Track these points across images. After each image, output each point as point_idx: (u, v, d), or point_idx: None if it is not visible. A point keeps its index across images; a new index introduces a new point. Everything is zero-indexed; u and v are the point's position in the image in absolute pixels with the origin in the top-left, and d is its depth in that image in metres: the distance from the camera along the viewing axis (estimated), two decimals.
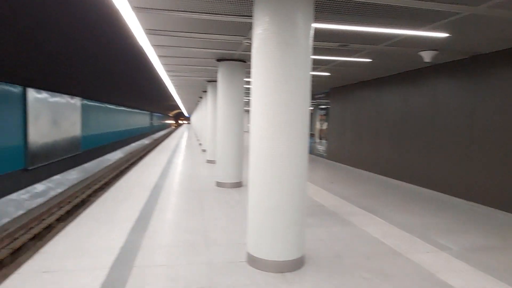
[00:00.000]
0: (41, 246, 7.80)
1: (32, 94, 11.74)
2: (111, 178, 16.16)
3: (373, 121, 10.16)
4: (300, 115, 3.35)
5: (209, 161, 11.36)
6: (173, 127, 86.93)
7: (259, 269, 3.47)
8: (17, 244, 7.39)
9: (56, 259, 3.62)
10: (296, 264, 3.52)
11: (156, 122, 53.75)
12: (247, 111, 13.57)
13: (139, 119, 36.51)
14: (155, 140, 44.15)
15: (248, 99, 12.27)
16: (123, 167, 19.44)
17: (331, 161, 12.75)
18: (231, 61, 7.27)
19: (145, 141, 39.09)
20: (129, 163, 21.39)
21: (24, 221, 9.17)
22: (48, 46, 9.83)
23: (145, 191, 7.00)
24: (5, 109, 10.27)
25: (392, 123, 9.15)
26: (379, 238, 4.56)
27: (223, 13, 4.35)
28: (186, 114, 58.33)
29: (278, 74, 3.24)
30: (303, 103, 3.37)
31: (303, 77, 3.34)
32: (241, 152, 7.55)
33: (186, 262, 3.62)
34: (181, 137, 28.31)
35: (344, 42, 5.83)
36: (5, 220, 9.17)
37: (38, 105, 12.21)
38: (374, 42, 5.67)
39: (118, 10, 4.56)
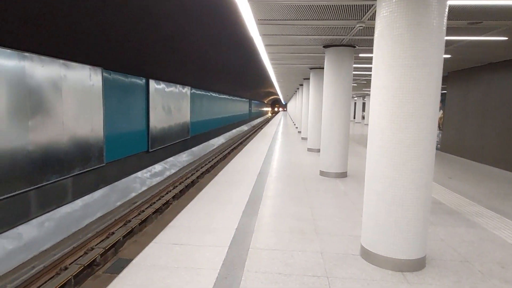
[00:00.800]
0: (163, 219, 8.87)
1: (153, 85, 13.25)
2: (216, 161, 17.40)
3: (504, 108, 8.74)
4: (430, 104, 3.04)
5: (310, 149, 11.31)
6: (270, 114, 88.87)
7: (375, 265, 3.33)
8: (143, 216, 8.53)
9: (183, 233, 4.04)
10: (417, 265, 3.27)
11: (254, 110, 55.72)
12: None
13: (239, 106, 38.29)
14: (253, 127, 45.91)
15: (354, 85, 11.74)
16: (225, 152, 20.72)
17: (447, 154, 11.47)
18: (339, 47, 7.01)
19: (244, 127, 40.94)
20: (231, 148, 22.70)
21: (147, 196, 10.52)
22: (166, 42, 10.91)
23: (252, 176, 7.32)
24: (136, 98, 11.83)
25: None
26: None
27: None
28: (283, 101, 59.02)
29: (406, 59, 2.98)
30: (434, 91, 3.05)
31: (436, 62, 3.01)
32: (347, 141, 7.30)
33: (299, 249, 3.67)
34: (279, 124, 28.81)
35: (475, 20, 5.08)
36: (133, 194, 10.66)
37: (157, 95, 13.74)
38: None
39: (236, 3, 4.76)
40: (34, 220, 7.09)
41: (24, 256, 6.28)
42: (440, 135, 12.11)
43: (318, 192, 6.09)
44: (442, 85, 10.18)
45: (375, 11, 4.56)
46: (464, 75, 10.68)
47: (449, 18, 4.93)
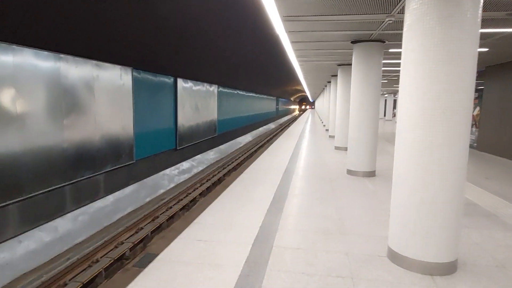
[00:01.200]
0: (190, 216, 9.02)
1: (181, 84, 13.49)
2: (242, 159, 17.48)
3: None
4: (464, 100, 2.88)
5: (338, 148, 11.11)
6: (298, 112, 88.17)
7: (402, 267, 3.21)
8: (171, 212, 8.72)
9: (207, 230, 4.08)
10: (448, 268, 3.12)
11: (281, 107, 55.51)
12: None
13: (266, 104, 38.27)
14: (280, 125, 45.75)
15: (384, 82, 11.42)
16: (252, 150, 20.78)
17: (483, 153, 10.90)
18: (367, 42, 6.82)
19: (272, 125, 40.89)
20: (258, 146, 22.73)
21: (175, 193, 10.74)
22: (193, 41, 11.07)
23: (277, 174, 7.28)
24: (164, 97, 12.11)
25: None
26: None
27: None
28: (310, 99, 58.42)
29: (438, 53, 2.84)
30: (468, 87, 2.88)
31: (469, 56, 2.84)
32: (375, 139, 7.10)
33: (323, 249, 3.61)
34: (306, 122, 28.54)
35: None
36: (162, 191, 10.92)
37: (184, 93, 13.98)
38: None
39: (261, 1, 4.74)
40: (69, 214, 7.42)
41: (60, 248, 6.59)
42: (477, 133, 11.53)
43: (345, 192, 5.96)
44: (479, 80, 9.64)
45: (405, 4, 4.40)
46: (503, 70, 10.08)
47: (485, 9, 4.68)
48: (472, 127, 12.05)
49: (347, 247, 3.67)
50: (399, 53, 8.42)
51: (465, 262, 3.37)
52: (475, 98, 11.85)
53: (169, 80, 12.44)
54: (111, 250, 6.62)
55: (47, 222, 6.83)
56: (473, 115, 12.00)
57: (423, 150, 3.01)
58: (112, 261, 6.11)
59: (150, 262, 3.36)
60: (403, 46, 3.18)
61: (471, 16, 2.80)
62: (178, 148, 13.42)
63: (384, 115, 35.85)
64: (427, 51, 2.89)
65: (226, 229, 4.12)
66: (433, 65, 2.87)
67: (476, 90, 11.84)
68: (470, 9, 2.79)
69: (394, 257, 3.31)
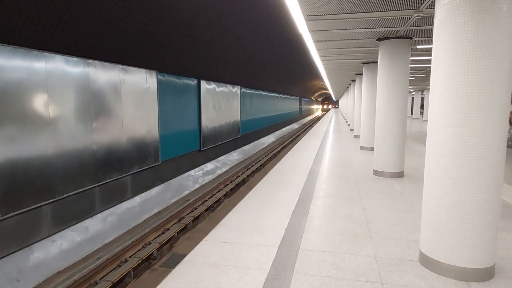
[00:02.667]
0: (215, 217, 9.09)
1: (204, 85, 13.64)
2: (266, 160, 17.46)
3: None
4: (500, 97, 2.73)
5: (363, 148, 10.88)
6: (321, 111, 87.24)
7: (436, 273, 3.08)
8: (196, 213, 8.82)
9: (233, 232, 4.09)
10: (485, 274, 2.97)
11: (304, 107, 55.09)
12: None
13: (289, 104, 38.08)
14: (304, 124, 45.41)
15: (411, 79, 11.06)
16: (276, 150, 20.72)
17: None
18: (394, 39, 6.63)
19: (295, 125, 40.66)
20: (281, 146, 22.64)
21: (199, 194, 10.86)
22: (215, 44, 11.17)
23: (302, 175, 7.21)
24: (188, 99, 12.28)
25: None
26: None
27: None
28: (334, 98, 57.68)
29: (472, 49, 2.71)
30: (505, 83, 2.74)
31: (506, 51, 2.70)
32: (403, 139, 6.89)
33: (351, 252, 3.52)
34: (330, 122, 28.18)
35: None
36: (187, 192, 11.07)
37: (208, 95, 14.12)
38: None
39: (284, 1, 4.70)
40: (98, 215, 7.65)
41: (91, 247, 6.80)
42: None
43: (372, 193, 5.82)
44: None
45: None
46: None
47: None
48: (510, 125, 11.48)
49: (376, 250, 3.57)
50: (428, 50, 8.20)
51: (504, 268, 3.20)
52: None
53: (192, 82, 12.60)
54: (139, 250, 6.77)
55: (78, 222, 7.07)
56: (510, 113, 11.42)
57: (456, 149, 2.88)
58: (140, 261, 6.24)
59: (177, 263, 3.39)
60: (433, 42, 3.06)
61: (508, 9, 2.65)
62: (202, 149, 13.56)
63: (412, 114, 34.88)
64: (459, 47, 2.76)
65: (251, 231, 4.11)
66: (467, 61, 2.74)
67: None
68: (506, 2, 2.65)
69: (426, 261, 3.18)
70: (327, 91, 50.09)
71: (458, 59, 2.78)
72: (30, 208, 5.95)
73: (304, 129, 37.44)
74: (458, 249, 2.94)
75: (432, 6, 4.60)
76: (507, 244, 3.72)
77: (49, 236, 6.42)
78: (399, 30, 6.14)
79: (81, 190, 7.11)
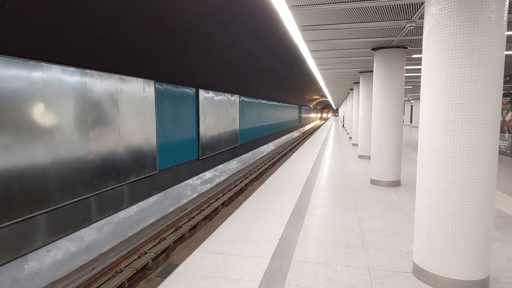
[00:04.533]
0: (212, 226, 9.04)
1: (202, 94, 13.69)
2: (264, 169, 17.43)
3: None
4: (490, 107, 2.73)
5: (361, 156, 10.87)
6: (322, 120, 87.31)
7: (428, 285, 3.05)
8: (193, 222, 8.77)
9: (225, 243, 4.05)
10: (479, 286, 2.93)
11: (304, 116, 55.19)
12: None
13: (289, 113, 38.16)
14: (303, 133, 45.42)
15: (409, 88, 11.10)
16: (275, 159, 20.69)
17: None
18: (388, 49, 6.67)
19: (295, 133, 40.67)
20: (280, 155, 22.61)
21: (197, 203, 10.81)
22: (213, 53, 11.24)
23: (298, 184, 7.18)
24: (186, 108, 12.31)
25: None
26: None
27: None
28: (333, 106, 57.83)
29: (460, 59, 2.72)
30: (494, 93, 2.74)
31: (495, 61, 2.70)
32: (399, 147, 6.88)
33: (344, 264, 3.49)
34: (329, 130, 28.19)
35: None
36: (184, 201, 11.02)
37: (206, 103, 14.16)
38: None
39: (277, 11, 4.74)
40: (94, 224, 7.61)
41: (86, 257, 6.75)
42: (510, 139, 10.96)
43: (368, 202, 5.79)
44: (511, 84, 9.11)
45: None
46: None
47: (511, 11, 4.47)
48: (505, 133, 11.49)
49: (369, 262, 3.53)
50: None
51: (498, 279, 3.16)
52: (507, 103, 11.31)
53: (190, 91, 12.65)
54: (135, 260, 6.71)
55: (74, 232, 7.03)
56: (505, 121, 11.44)
57: (446, 160, 2.87)
58: (135, 271, 6.18)
59: (170, 273, 3.36)
60: (423, 52, 3.07)
61: (496, 19, 2.67)
62: (200, 158, 13.55)
63: (411, 122, 34.91)
64: (448, 57, 2.77)
65: (244, 242, 4.08)
66: (456, 71, 2.75)
67: (508, 94, 11.30)
68: (494, 12, 2.66)
69: (419, 273, 3.15)
70: (327, 99, 50.25)
71: (447, 69, 2.78)
72: (24, 217, 5.93)
73: (303, 137, 37.43)
74: (451, 261, 2.91)
75: (424, 16, 4.63)
76: (502, 255, 3.68)
77: (44, 246, 6.38)
78: (393, 40, 6.18)
79: (77, 199, 7.09)
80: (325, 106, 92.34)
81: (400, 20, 4.87)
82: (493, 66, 2.70)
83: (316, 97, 47.94)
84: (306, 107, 57.22)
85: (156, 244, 7.41)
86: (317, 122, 76.98)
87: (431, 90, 2.93)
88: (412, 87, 17.47)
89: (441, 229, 2.94)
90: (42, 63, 6.05)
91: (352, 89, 16.65)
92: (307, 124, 59.80)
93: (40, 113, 6.15)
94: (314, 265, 3.47)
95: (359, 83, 12.09)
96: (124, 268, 6.32)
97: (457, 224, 2.88)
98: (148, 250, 7.06)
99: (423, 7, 4.22)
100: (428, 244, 3.05)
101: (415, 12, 4.48)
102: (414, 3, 4.12)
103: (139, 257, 6.79)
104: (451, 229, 2.90)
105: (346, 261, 3.55)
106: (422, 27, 5.18)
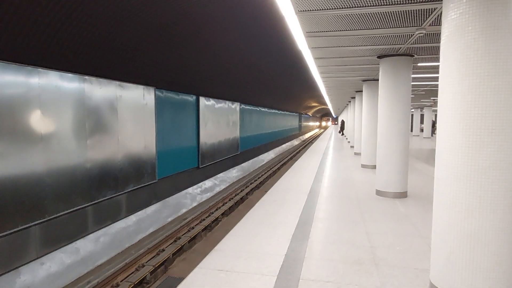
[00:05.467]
0: (212, 237, 8.80)
1: (203, 102, 13.53)
2: (265, 177, 17.21)
3: None
4: None
5: (364, 166, 10.67)
6: (321, 129, 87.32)
7: None
8: (193, 233, 8.53)
9: (228, 259, 3.83)
10: None
11: (304, 124, 55.13)
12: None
13: (289, 121, 38.05)
14: (303, 141, 45.29)
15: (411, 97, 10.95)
16: (275, 167, 20.48)
17: None
18: (395, 57, 6.52)
19: (295, 142, 40.52)
20: (281, 163, 22.41)
21: (197, 212, 10.58)
22: (215, 61, 11.11)
23: (302, 194, 6.98)
24: (186, 115, 12.14)
25: None
26: None
27: (400, 2, 3.80)
28: (333, 114, 57.83)
29: (483, 67, 2.55)
30: None
31: None
32: (406, 158, 6.69)
33: (356, 283, 3.27)
34: (330, 139, 28.03)
35: None
36: (184, 210, 10.78)
37: (207, 111, 14.00)
38: None
39: (282, 16, 4.59)
40: (91, 235, 7.36)
41: (81, 270, 6.50)
42: None
43: (375, 215, 5.58)
44: None
45: (439, 15, 4.13)
46: None
47: None
48: None
49: (382, 280, 3.32)
50: (429, 67, 8.10)
51: None
52: None
53: (191, 98, 12.49)
54: (132, 273, 6.47)
55: (69, 243, 6.78)
56: None
57: (467, 174, 2.68)
58: (132, 285, 5.94)
59: (171, 286, 3.14)
60: (441, 59, 2.90)
61: None
62: (200, 167, 13.34)
63: (412, 131, 34.82)
64: (469, 64, 2.60)
65: (248, 257, 3.86)
66: (478, 80, 2.57)
67: None
68: None
69: None
70: (327, 108, 50.22)
71: (468, 77, 2.61)
72: (18, 228, 5.69)
73: (304, 145, 37.28)
74: (473, 282, 2.70)
75: (435, 23, 4.49)
76: None
77: (37, 258, 6.13)
78: (401, 48, 6.03)
79: (73, 209, 6.86)
80: (325, 115, 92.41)
81: (410, 27, 4.72)
82: None
83: (317, 105, 47.94)
84: (307, 116, 57.23)
85: (154, 256, 7.17)
86: (318, 130, 76.92)
87: (451, 100, 2.76)
88: (415, 96, 17.36)
89: (462, 248, 2.74)
90: (39, 69, 5.88)
91: (354, 98, 16.54)
92: (307, 132, 59.72)
93: (36, 120, 5.96)
94: (323, 284, 3.26)
95: (361, 91, 11.95)
96: (121, 282, 6.08)
97: (478, 243, 2.68)
98: (146, 262, 6.82)
99: (436, 13, 4.08)
100: (447, 263, 2.85)
101: (426, 19, 4.33)
102: (426, 9, 3.98)
103: (136, 270, 6.55)
104: (472, 249, 2.70)
105: (357, 279, 3.34)
106: (432, 34, 5.04)
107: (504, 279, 2.68)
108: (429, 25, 4.59)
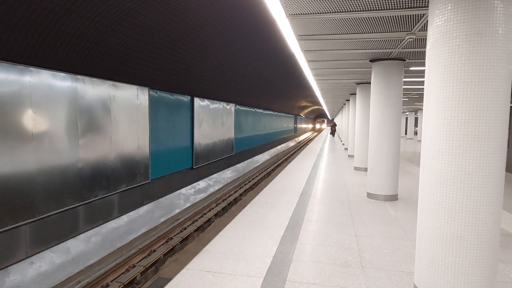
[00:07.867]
0: (204, 238, 8.79)
1: (197, 103, 13.53)
2: (259, 179, 17.22)
3: None
4: (497, 123, 2.60)
5: (357, 168, 10.73)
6: (316, 131, 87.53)
7: None
8: (185, 233, 8.52)
9: (217, 260, 3.85)
10: None
11: (300, 125, 55.23)
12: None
13: (284, 122, 38.10)
14: (298, 143, 45.37)
15: (404, 100, 11.06)
16: (270, 169, 20.51)
17: None
18: (387, 61, 6.58)
19: (290, 143, 40.58)
20: (275, 164, 22.44)
21: (190, 213, 10.56)
22: (209, 61, 11.13)
23: (294, 197, 7.00)
24: (181, 116, 12.14)
25: None
26: None
27: (389, 8, 3.85)
28: (329, 117, 58.01)
29: (466, 73, 2.59)
30: (502, 108, 2.61)
31: (502, 76, 2.58)
32: (397, 161, 6.74)
33: (341, 285, 3.30)
34: (325, 141, 28.12)
35: None
36: (177, 210, 10.77)
37: (201, 112, 14.00)
38: None
39: (274, 19, 4.63)
40: (82, 235, 7.33)
41: (72, 270, 6.47)
42: None
43: (365, 217, 5.62)
44: None
45: (427, 21, 4.17)
46: None
47: None
48: (509, 147, 11.39)
49: (368, 283, 3.35)
50: (421, 71, 8.17)
51: None
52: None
53: (186, 99, 12.49)
54: (122, 273, 6.45)
55: (60, 243, 6.75)
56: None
57: (451, 179, 2.72)
58: (122, 286, 5.93)
59: (162, 287, 3.15)
60: (426, 65, 2.94)
61: (504, 32, 2.55)
62: (194, 167, 13.33)
63: (406, 133, 35.02)
64: (453, 70, 2.64)
65: (236, 259, 3.88)
66: (461, 86, 2.62)
67: None
68: (502, 25, 2.54)
69: None
70: (323, 110, 50.40)
71: (452, 83, 2.65)
72: (7, 228, 5.66)
73: (299, 147, 37.35)
74: (455, 285, 2.74)
75: (425, 28, 4.54)
76: (505, 277, 3.52)
77: (27, 257, 6.10)
78: (392, 52, 6.09)
79: (63, 209, 6.83)
80: (321, 116, 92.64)
81: (400, 31, 4.78)
82: (500, 80, 2.57)
83: (312, 107, 48.07)
84: (302, 117, 57.33)
85: (145, 257, 7.15)
86: (314, 132, 77.08)
87: (435, 105, 2.80)
88: (408, 99, 17.48)
89: (445, 251, 2.78)
90: (31, 68, 5.86)
91: (348, 100, 16.62)
92: (302, 134, 59.83)
93: (27, 119, 5.94)
94: (309, 286, 3.28)
95: (355, 94, 12.03)
96: (111, 282, 6.06)
97: (461, 246, 2.72)
98: (137, 263, 6.80)
99: (425, 19, 4.13)
100: (430, 267, 2.88)
101: (416, 24, 4.38)
102: (415, 15, 4.03)
103: (127, 270, 6.53)
104: (455, 252, 2.74)
105: (343, 282, 3.37)
106: (422, 39, 5.09)
107: (485, 283, 2.72)
108: (419, 30, 4.64)
